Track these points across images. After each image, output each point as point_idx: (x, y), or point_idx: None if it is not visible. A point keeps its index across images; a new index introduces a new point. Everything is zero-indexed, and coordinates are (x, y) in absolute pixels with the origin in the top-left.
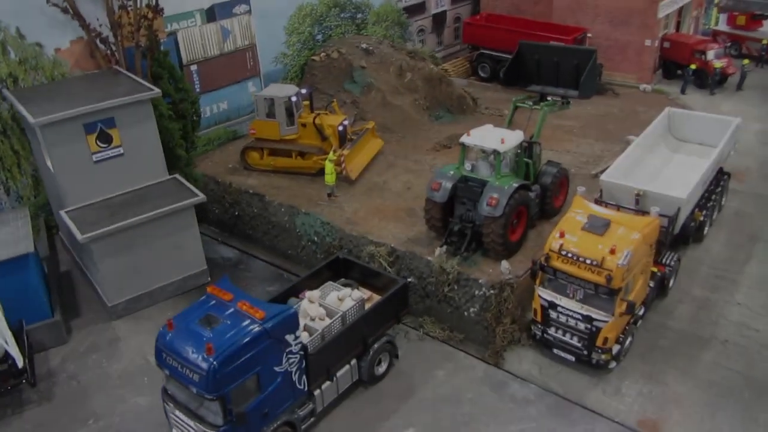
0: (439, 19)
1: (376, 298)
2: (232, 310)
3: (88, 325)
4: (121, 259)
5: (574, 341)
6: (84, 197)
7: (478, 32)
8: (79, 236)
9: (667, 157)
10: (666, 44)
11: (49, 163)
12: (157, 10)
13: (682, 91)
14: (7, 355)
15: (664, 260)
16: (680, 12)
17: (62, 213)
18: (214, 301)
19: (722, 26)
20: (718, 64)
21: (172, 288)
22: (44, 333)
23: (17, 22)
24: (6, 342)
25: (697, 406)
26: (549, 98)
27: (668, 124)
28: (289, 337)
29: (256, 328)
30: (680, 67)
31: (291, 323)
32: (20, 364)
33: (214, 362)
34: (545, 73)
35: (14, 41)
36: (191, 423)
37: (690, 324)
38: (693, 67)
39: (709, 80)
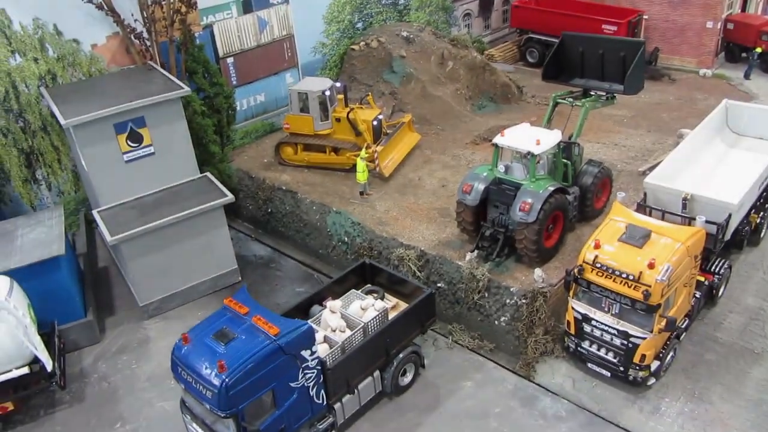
0: (486, 3)
1: (402, 305)
2: (247, 324)
3: (121, 324)
4: (151, 259)
5: (610, 357)
6: (116, 197)
7: (527, 15)
8: (108, 238)
9: (723, 154)
10: (729, 25)
11: (83, 163)
12: (190, 4)
13: (746, 76)
14: (37, 359)
15: (712, 268)
16: None
17: (95, 212)
18: (230, 314)
19: None
20: None
21: (203, 287)
22: (77, 332)
23: (54, 19)
24: (35, 347)
25: (743, 428)
26: (592, 93)
27: (725, 117)
28: (305, 353)
29: (270, 344)
30: (745, 50)
31: (306, 339)
32: (49, 368)
33: (227, 380)
34: (589, 67)
35: (52, 38)
36: None
37: (740, 336)
38: (759, 50)
39: None
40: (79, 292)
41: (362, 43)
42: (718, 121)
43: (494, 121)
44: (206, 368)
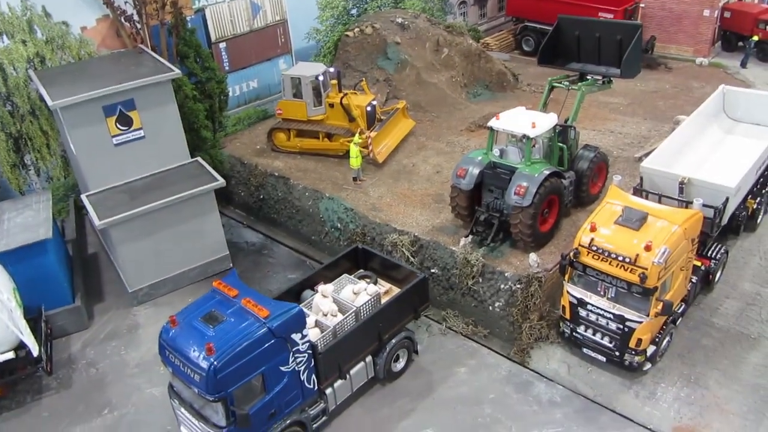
0: None
1: (395, 291)
2: (236, 307)
3: (110, 310)
4: (141, 244)
5: (605, 341)
6: (105, 181)
7: (523, 3)
8: (96, 222)
9: (719, 140)
10: (726, 14)
11: (71, 146)
12: None
13: (743, 65)
14: (23, 343)
15: (709, 253)
16: None
17: (83, 196)
18: (218, 297)
19: None
20: None
21: (194, 273)
22: (65, 318)
23: (43, 0)
24: (21, 332)
25: (740, 413)
26: (589, 77)
27: (722, 102)
28: (296, 336)
29: (259, 327)
30: (741, 38)
31: (297, 322)
32: (35, 353)
33: (215, 363)
34: (585, 50)
35: (40, 20)
36: (196, 422)
37: (737, 321)
38: (756, 38)
39: None
40: (66, 278)
41: (357, 30)
42: (715, 106)
43: (489, 108)
44: (194, 351)
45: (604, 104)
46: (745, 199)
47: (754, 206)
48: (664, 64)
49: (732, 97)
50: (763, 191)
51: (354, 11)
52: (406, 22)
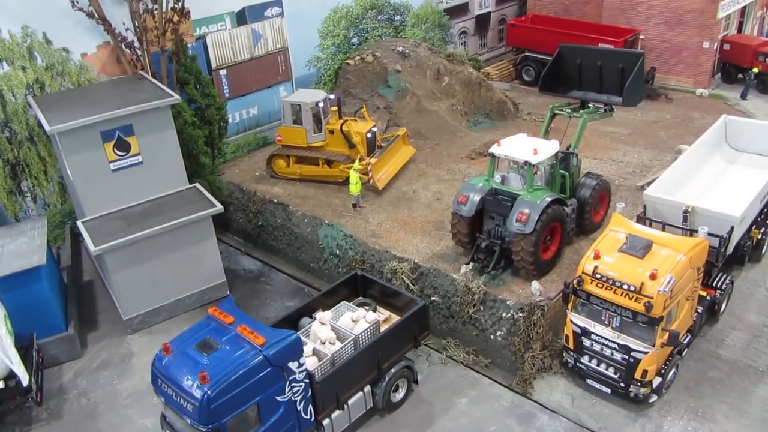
0: (482, 21)
1: (395, 319)
2: (231, 334)
3: (104, 339)
4: (137, 270)
5: (610, 372)
6: (102, 207)
7: (523, 34)
8: (92, 248)
9: (722, 169)
10: (726, 46)
11: (68, 171)
12: (183, 14)
13: (743, 97)
14: (12, 373)
15: (714, 283)
16: (743, 12)
17: (79, 223)
18: (214, 324)
19: None
20: None
21: (190, 301)
22: (57, 347)
23: (43, 27)
24: (11, 361)
25: None
26: (590, 105)
27: (725, 132)
28: (293, 365)
29: (255, 355)
30: (741, 70)
31: (294, 350)
32: (24, 382)
33: (209, 392)
34: (587, 79)
35: (41, 47)
36: None
37: (744, 353)
38: (756, 70)
39: None
40: (60, 305)
41: (357, 58)
42: (716, 136)
43: (490, 136)
44: (188, 380)
45: (605, 134)
46: (749, 229)
47: (759, 236)
48: (665, 95)
49: (734, 127)
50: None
51: (355, 40)
52: (407, 51)
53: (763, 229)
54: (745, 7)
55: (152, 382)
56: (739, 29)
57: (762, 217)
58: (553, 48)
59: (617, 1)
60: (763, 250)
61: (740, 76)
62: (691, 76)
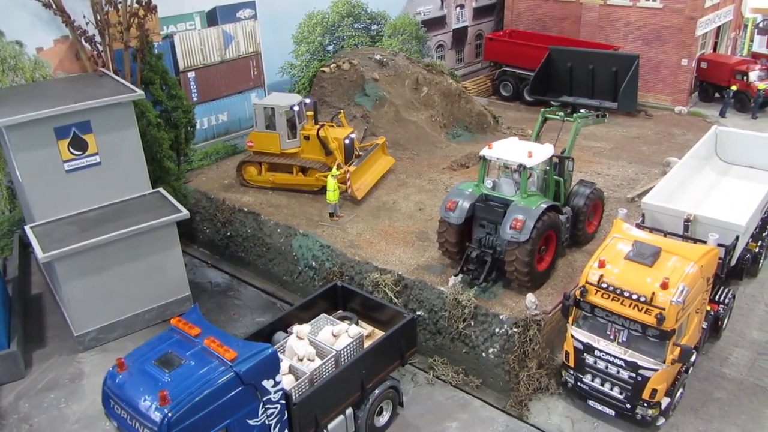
0: (459, 35)
1: (379, 334)
2: (197, 348)
3: (51, 357)
4: (90, 281)
5: (615, 392)
6: (54, 211)
7: (500, 48)
8: (40, 255)
9: (713, 181)
10: (703, 64)
11: (17, 171)
12: (150, 8)
13: (722, 114)
14: None
15: (717, 297)
16: (718, 32)
17: (27, 228)
18: (177, 336)
19: (762, 48)
20: (762, 85)
21: (150, 316)
22: None
23: None
24: None
25: None
26: (582, 110)
27: (715, 144)
28: (267, 384)
29: (224, 371)
30: (718, 89)
31: (270, 366)
32: None
33: (169, 414)
34: (578, 83)
35: None
36: None
37: (750, 372)
38: (734, 88)
39: (751, 103)
40: (2, 320)
41: (333, 65)
42: (707, 148)
43: (471, 148)
44: (145, 400)
45: (586, 148)
46: (746, 242)
47: (756, 249)
48: (644, 111)
49: (725, 138)
50: (764, 234)
51: (330, 47)
52: (385, 59)
53: (759, 242)
54: (719, 27)
55: (104, 403)
56: (714, 49)
57: (757, 230)
58: (531, 63)
59: (595, 18)
60: (760, 264)
61: (717, 95)
62: (669, 93)
